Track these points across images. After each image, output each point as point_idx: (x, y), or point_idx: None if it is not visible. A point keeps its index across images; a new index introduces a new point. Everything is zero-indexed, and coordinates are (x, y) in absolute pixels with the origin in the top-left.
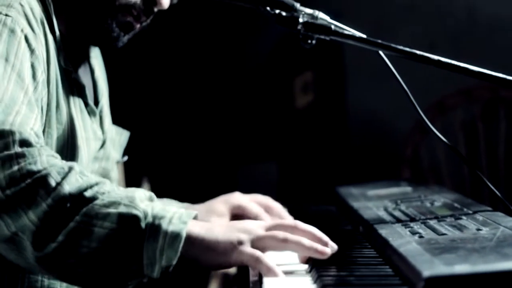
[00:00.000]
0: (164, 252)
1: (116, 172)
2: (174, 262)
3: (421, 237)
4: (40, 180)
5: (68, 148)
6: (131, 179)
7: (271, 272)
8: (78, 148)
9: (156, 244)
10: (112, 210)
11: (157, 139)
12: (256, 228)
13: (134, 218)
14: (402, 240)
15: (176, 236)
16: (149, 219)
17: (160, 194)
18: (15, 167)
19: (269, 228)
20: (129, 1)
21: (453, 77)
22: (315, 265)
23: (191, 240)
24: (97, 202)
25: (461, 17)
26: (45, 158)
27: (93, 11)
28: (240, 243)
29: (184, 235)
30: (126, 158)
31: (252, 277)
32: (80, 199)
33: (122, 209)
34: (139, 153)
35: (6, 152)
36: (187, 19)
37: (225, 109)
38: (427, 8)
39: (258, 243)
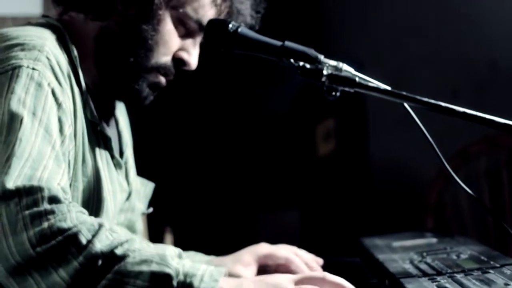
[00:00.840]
0: None
1: (141, 224)
2: None
3: None
4: (71, 237)
5: (94, 200)
6: (154, 229)
7: None
8: (104, 201)
9: None
10: (144, 268)
11: (179, 189)
12: (285, 282)
13: (166, 277)
14: None
15: None
16: (181, 277)
17: (183, 243)
18: (45, 224)
19: (298, 282)
20: (160, 63)
21: (477, 124)
22: None
23: None
24: (129, 260)
25: (483, 65)
26: (74, 215)
27: (125, 73)
28: None
29: None
30: (151, 209)
31: None
32: (111, 257)
33: (154, 267)
34: (162, 203)
35: (35, 209)
36: (209, 69)
37: (248, 156)
38: (450, 56)
39: None
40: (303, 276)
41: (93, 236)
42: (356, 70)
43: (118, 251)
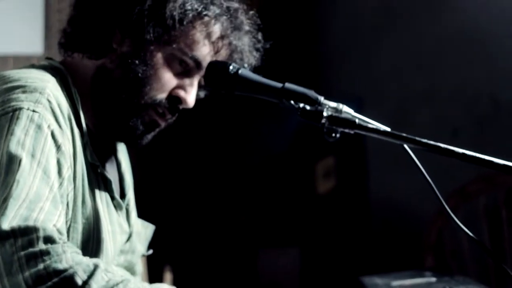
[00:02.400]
0: None
1: (141, 265)
2: None
3: None
4: (67, 279)
5: (93, 241)
6: (154, 269)
7: None
8: (103, 242)
9: None
10: None
11: (178, 226)
12: None
13: None
14: None
15: None
16: None
17: (182, 281)
18: (41, 265)
19: None
20: (154, 100)
21: None
22: None
23: None
24: None
25: (484, 103)
26: (69, 256)
27: (119, 109)
28: None
29: None
30: (151, 251)
31: None
32: None
33: None
34: (161, 242)
35: (30, 249)
36: (210, 106)
37: (248, 194)
38: (450, 93)
39: None
40: None
41: (89, 277)
42: (356, 107)
43: None
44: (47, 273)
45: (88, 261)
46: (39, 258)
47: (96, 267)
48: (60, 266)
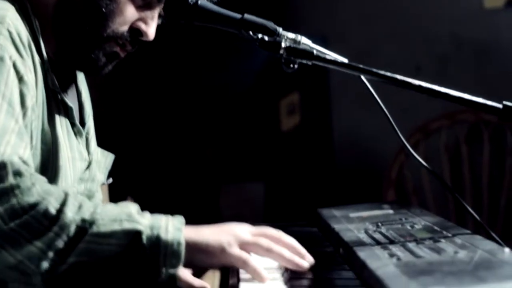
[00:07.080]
0: (167, 260)
1: (101, 194)
2: (179, 267)
3: (399, 259)
4: (41, 210)
5: (51, 167)
6: (116, 200)
7: (257, 274)
8: (61, 168)
9: (158, 253)
10: (116, 227)
11: (140, 159)
12: (243, 233)
13: (137, 233)
14: (380, 262)
15: (177, 244)
16: (148, 230)
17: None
18: (13, 200)
19: (255, 234)
20: (117, 33)
21: (438, 100)
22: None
23: (186, 244)
24: (100, 222)
25: (446, 41)
26: (39, 187)
27: (81, 41)
28: (229, 245)
29: (183, 242)
30: (111, 180)
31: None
32: (83, 221)
33: (125, 225)
34: (123, 173)
35: (1, 185)
36: (173, 42)
37: (212, 130)
38: (413, 32)
39: (244, 247)
40: (260, 231)
41: (62, 205)
42: (319, 44)
43: (88, 215)
44: (21, 207)
45: (58, 190)
46: (11, 193)
47: (66, 195)
48: (32, 198)
